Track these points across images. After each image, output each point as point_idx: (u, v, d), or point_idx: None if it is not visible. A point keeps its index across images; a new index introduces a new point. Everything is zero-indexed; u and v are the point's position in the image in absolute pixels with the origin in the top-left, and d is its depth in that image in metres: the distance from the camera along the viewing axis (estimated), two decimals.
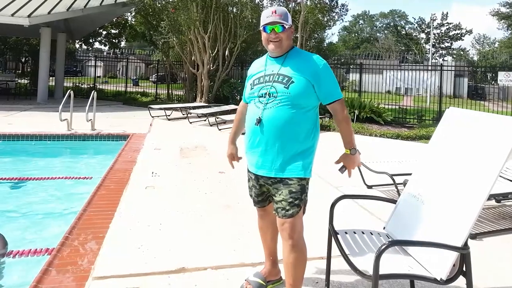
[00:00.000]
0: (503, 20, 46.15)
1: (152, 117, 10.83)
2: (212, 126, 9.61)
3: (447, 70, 15.22)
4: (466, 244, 1.85)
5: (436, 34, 50.03)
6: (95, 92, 8.87)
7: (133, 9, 16.88)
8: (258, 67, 2.26)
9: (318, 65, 2.10)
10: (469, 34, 51.91)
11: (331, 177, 4.94)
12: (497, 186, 3.62)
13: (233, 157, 2.48)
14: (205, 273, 2.54)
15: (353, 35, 63.88)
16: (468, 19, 74.54)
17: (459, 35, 51.66)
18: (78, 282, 2.37)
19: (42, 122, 8.73)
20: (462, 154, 2.13)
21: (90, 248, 2.81)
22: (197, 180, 4.76)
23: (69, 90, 8.39)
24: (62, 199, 4.47)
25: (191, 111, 10.58)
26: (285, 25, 2.10)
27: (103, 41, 25.15)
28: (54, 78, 17.06)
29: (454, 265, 1.86)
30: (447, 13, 56.31)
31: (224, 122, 9.34)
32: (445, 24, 51.41)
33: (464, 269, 1.86)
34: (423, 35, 53.87)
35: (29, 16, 11.81)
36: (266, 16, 2.11)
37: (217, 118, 9.42)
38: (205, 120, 10.11)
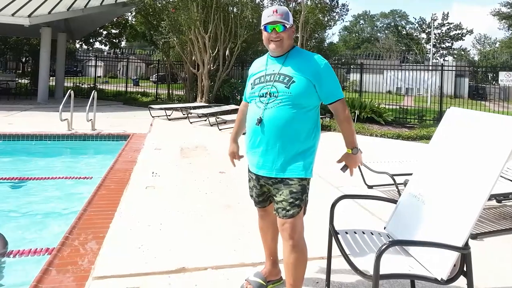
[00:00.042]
0: (504, 20, 46.07)
1: (153, 117, 10.83)
2: (212, 126, 9.62)
3: (448, 70, 15.18)
4: (466, 244, 1.85)
5: (437, 34, 49.99)
6: (96, 92, 8.89)
7: (134, 9, 16.87)
8: (259, 67, 2.25)
9: (319, 65, 2.09)
10: (470, 34, 51.91)
11: (331, 177, 4.94)
12: (498, 186, 3.62)
13: (235, 155, 2.47)
14: (206, 273, 2.54)
15: (353, 35, 63.86)
16: (469, 19, 74.38)
17: (460, 35, 51.61)
18: (78, 282, 2.37)
19: (42, 122, 8.74)
20: (463, 154, 2.13)
21: (90, 248, 2.81)
22: (198, 180, 4.76)
23: (69, 90, 8.40)
24: (62, 199, 4.47)
25: (192, 111, 10.57)
26: (286, 25, 2.09)
27: (103, 41, 25.18)
28: (54, 78, 17.06)
29: (454, 265, 1.86)
30: (447, 13, 56.29)
31: (225, 122, 9.34)
32: (445, 24, 51.38)
33: (464, 269, 1.86)
34: (423, 35, 53.87)
35: (29, 16, 11.82)
36: (267, 16, 2.10)
37: (218, 118, 9.42)
38: (205, 120, 10.11)
